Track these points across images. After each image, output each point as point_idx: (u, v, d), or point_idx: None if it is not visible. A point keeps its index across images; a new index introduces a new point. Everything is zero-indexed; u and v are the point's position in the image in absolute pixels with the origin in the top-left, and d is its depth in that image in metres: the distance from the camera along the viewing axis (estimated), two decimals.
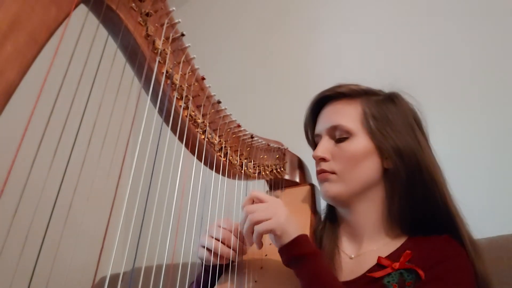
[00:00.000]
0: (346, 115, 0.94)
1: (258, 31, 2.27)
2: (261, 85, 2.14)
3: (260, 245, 0.82)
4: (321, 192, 0.97)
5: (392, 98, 0.97)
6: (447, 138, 1.44)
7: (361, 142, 0.92)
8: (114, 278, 1.50)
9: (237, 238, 0.87)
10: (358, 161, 0.91)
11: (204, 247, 0.87)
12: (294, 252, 0.79)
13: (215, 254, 0.85)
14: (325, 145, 0.95)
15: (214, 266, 0.87)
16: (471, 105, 1.47)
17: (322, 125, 0.98)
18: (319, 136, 0.99)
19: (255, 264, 0.89)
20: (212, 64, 2.29)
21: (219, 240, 0.86)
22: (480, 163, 1.40)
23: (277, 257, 0.90)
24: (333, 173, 0.93)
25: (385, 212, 0.93)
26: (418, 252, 0.84)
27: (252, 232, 0.81)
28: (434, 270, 0.81)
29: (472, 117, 1.46)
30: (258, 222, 0.80)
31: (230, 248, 0.87)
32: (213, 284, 0.88)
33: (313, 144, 1.04)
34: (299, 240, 0.79)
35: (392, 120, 0.93)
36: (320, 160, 0.95)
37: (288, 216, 0.81)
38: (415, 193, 0.90)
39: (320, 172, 0.95)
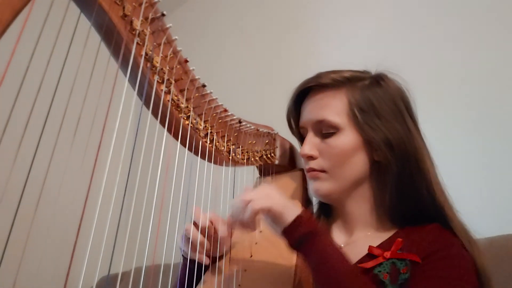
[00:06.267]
0: (331, 108, 0.90)
1: (249, 13, 2.21)
2: (250, 67, 2.09)
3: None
4: (311, 190, 0.93)
5: (378, 81, 0.92)
6: (444, 135, 1.40)
7: (348, 137, 0.88)
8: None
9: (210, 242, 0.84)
10: (347, 157, 0.88)
11: (189, 239, 0.83)
12: (301, 230, 0.74)
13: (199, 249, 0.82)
14: (312, 141, 0.91)
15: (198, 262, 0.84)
16: (467, 101, 1.43)
17: (307, 118, 0.94)
18: (304, 128, 0.95)
19: (239, 266, 0.85)
20: (197, 46, 2.23)
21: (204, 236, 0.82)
22: (480, 162, 1.37)
23: (262, 258, 0.86)
24: (323, 171, 0.90)
25: (375, 206, 0.91)
26: (410, 240, 0.82)
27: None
28: (431, 258, 0.78)
29: (470, 114, 1.42)
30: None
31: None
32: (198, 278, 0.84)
33: (298, 134, 1.01)
34: (305, 216, 0.75)
35: (379, 107, 0.88)
36: (308, 158, 0.91)
37: (283, 196, 0.77)
38: (404, 184, 0.87)
39: (309, 170, 0.92)
